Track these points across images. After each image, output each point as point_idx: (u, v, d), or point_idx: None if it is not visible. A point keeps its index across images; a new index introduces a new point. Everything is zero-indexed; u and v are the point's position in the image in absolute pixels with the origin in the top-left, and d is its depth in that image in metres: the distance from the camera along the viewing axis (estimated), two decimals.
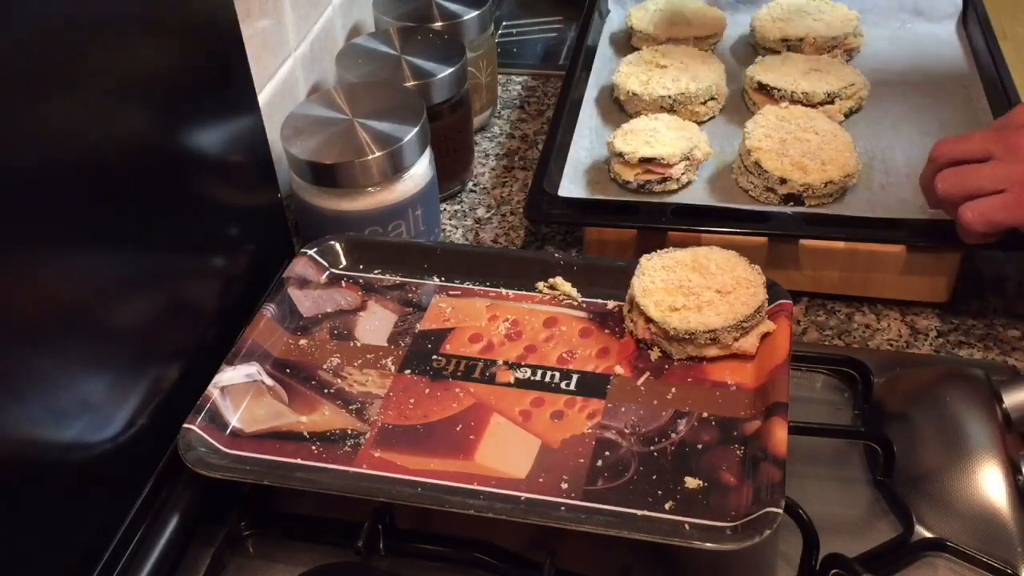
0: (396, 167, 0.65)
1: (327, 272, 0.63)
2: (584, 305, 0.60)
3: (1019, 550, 0.50)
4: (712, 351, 0.55)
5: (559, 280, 0.61)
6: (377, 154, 0.63)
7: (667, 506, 0.47)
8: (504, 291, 0.62)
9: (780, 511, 0.45)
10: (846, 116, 0.79)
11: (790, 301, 0.57)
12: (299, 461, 0.51)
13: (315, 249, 0.63)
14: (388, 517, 0.50)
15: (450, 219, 0.79)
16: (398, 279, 0.63)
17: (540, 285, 0.62)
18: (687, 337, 0.55)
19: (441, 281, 0.63)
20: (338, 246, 0.64)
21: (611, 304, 0.60)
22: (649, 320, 0.56)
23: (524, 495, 0.48)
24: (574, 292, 0.61)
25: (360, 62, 0.74)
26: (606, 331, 0.58)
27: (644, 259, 0.59)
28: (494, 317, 0.60)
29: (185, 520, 0.51)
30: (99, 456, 0.48)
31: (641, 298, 0.56)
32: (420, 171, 0.67)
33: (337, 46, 0.82)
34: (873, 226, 0.66)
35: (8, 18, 0.39)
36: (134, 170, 0.49)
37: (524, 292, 0.61)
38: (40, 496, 0.44)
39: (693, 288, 0.57)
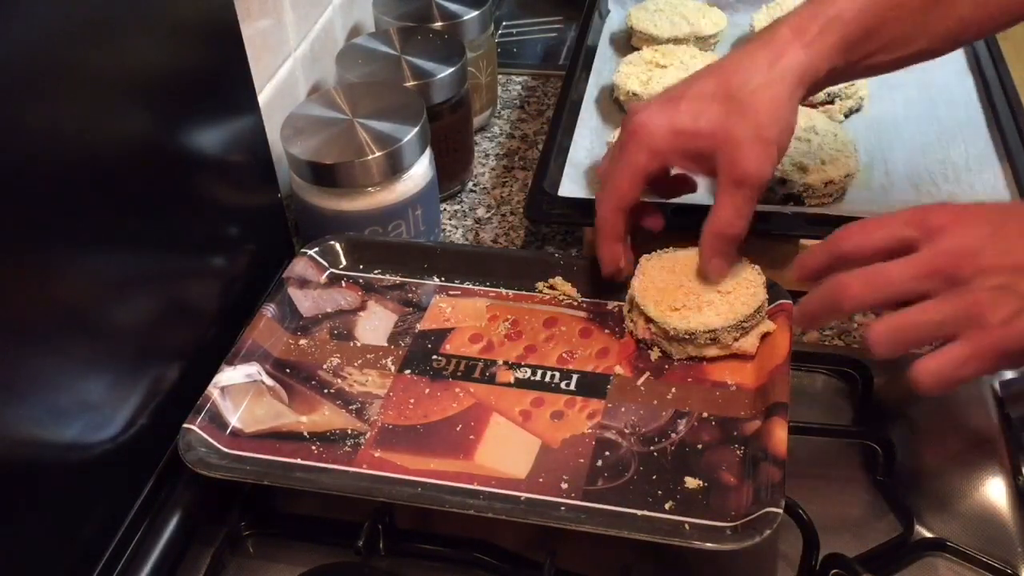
0: (396, 167, 0.65)
1: (327, 272, 0.63)
2: (584, 305, 0.60)
3: (1019, 550, 0.50)
4: (712, 351, 0.55)
5: (559, 280, 0.61)
6: (377, 154, 0.63)
7: (667, 506, 0.47)
8: (504, 291, 0.62)
9: (780, 511, 0.45)
10: (846, 116, 0.79)
11: (790, 301, 0.57)
12: (299, 461, 0.51)
13: (315, 249, 0.63)
14: (388, 517, 0.50)
15: (450, 219, 0.79)
16: (398, 279, 0.63)
17: (540, 285, 0.62)
18: (687, 337, 0.55)
19: (441, 281, 0.63)
20: (338, 246, 0.64)
21: (611, 304, 0.60)
22: (649, 320, 0.56)
23: (524, 495, 0.48)
24: (574, 292, 0.61)
25: (360, 62, 0.74)
26: (606, 331, 0.58)
27: (644, 259, 0.59)
28: (494, 317, 0.60)
29: (185, 520, 0.51)
30: (99, 456, 0.48)
31: (641, 298, 0.56)
32: (420, 171, 0.67)
33: (337, 46, 0.82)
34: None
35: (8, 18, 0.39)
36: (134, 170, 0.49)
37: (524, 292, 0.61)
38: (40, 496, 0.44)
39: (693, 288, 0.57)
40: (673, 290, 0.57)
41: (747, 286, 0.56)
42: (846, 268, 0.49)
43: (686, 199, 0.71)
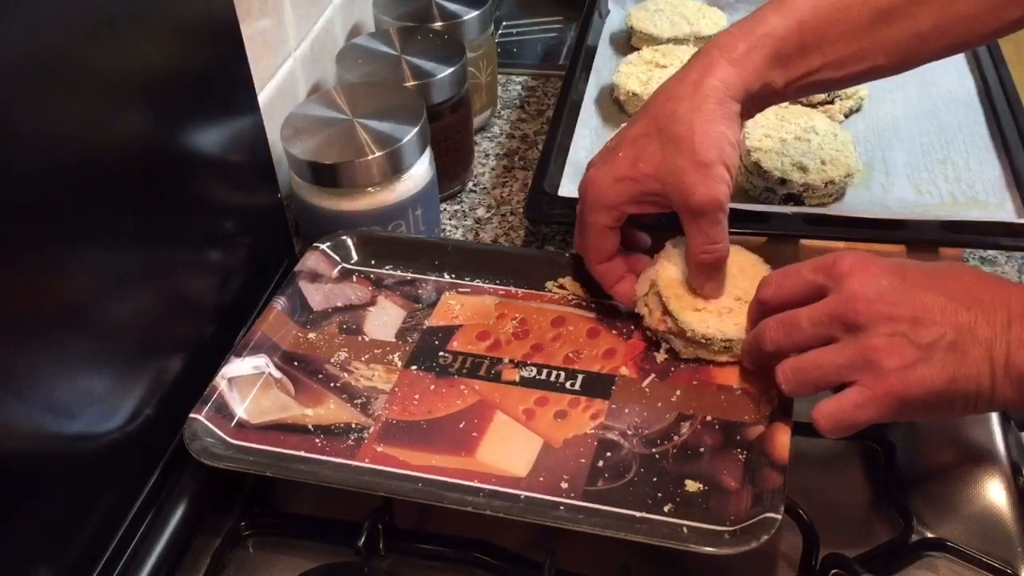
0: (396, 167, 0.65)
1: (339, 267, 0.63)
2: (592, 305, 0.60)
3: (1019, 550, 0.50)
4: (723, 357, 0.55)
5: (569, 280, 0.61)
6: (377, 154, 0.63)
7: (666, 508, 0.47)
8: (513, 289, 0.62)
9: (779, 517, 0.45)
10: (846, 116, 0.79)
11: None
12: (302, 453, 0.51)
13: (327, 244, 0.63)
14: (388, 516, 0.51)
15: (450, 219, 0.79)
16: (409, 275, 0.63)
17: (550, 284, 0.61)
18: (702, 342, 0.54)
19: (451, 278, 0.63)
20: (350, 241, 0.64)
21: (620, 305, 0.60)
22: (666, 312, 0.55)
23: (524, 493, 0.48)
24: (584, 292, 0.61)
25: (360, 62, 0.74)
26: (613, 332, 0.58)
27: (670, 244, 0.58)
28: (502, 315, 0.60)
29: (190, 510, 0.52)
30: (106, 446, 0.48)
31: (664, 288, 0.56)
32: (420, 171, 0.67)
33: (337, 46, 0.82)
34: (873, 226, 0.66)
35: (8, 18, 0.39)
36: (134, 170, 0.49)
37: (533, 291, 0.61)
38: (49, 486, 0.44)
39: None
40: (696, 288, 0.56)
41: None
42: (772, 314, 0.51)
43: None
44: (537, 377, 0.55)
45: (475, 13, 0.81)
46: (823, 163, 0.70)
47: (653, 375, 0.55)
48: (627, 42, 0.92)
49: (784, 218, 0.67)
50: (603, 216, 0.56)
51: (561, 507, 0.48)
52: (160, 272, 0.52)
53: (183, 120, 0.53)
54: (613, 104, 0.83)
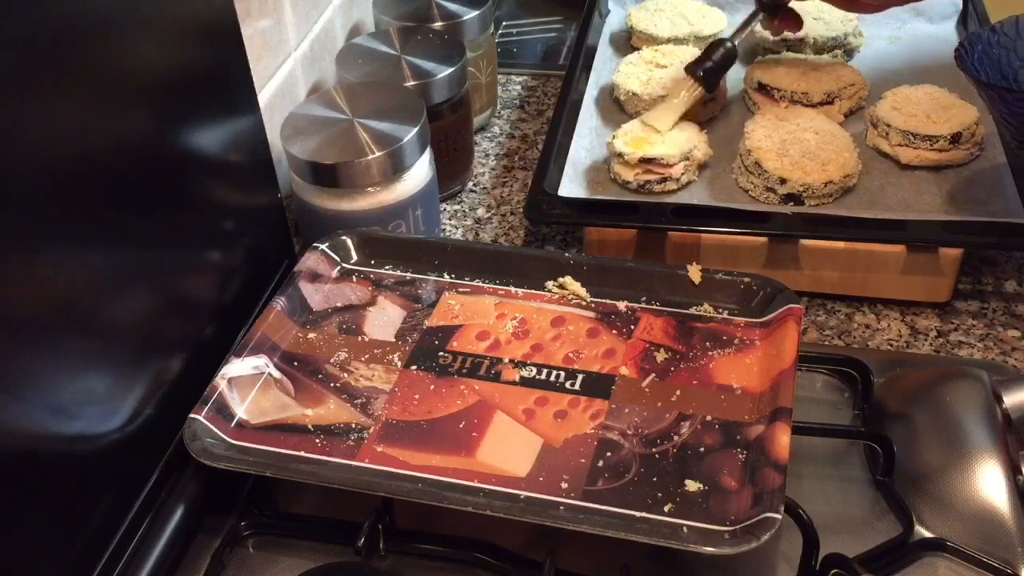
0: (396, 167, 0.65)
1: (338, 267, 0.63)
2: (592, 305, 0.60)
3: (1019, 550, 0.50)
4: None
5: (569, 280, 0.61)
6: (377, 154, 0.63)
7: (666, 508, 0.47)
8: (513, 289, 0.62)
9: (779, 517, 0.45)
10: (846, 116, 0.79)
11: (800, 306, 0.56)
12: (302, 454, 0.51)
13: (327, 244, 0.63)
14: (388, 516, 0.51)
15: (450, 219, 0.79)
16: (408, 275, 0.63)
17: (549, 284, 0.61)
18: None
19: (451, 278, 0.63)
20: (350, 241, 0.64)
21: (620, 304, 0.60)
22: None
23: (524, 493, 0.48)
24: (583, 292, 0.61)
25: (360, 62, 0.74)
26: (613, 331, 0.58)
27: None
28: (502, 315, 0.60)
29: (190, 511, 0.52)
30: (105, 448, 0.48)
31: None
32: (420, 171, 0.67)
33: (337, 46, 0.82)
34: (873, 226, 0.66)
35: (8, 18, 0.39)
36: (134, 170, 0.49)
37: (533, 291, 0.61)
38: (50, 486, 0.44)
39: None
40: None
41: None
42: None
43: (686, 199, 0.72)
44: (537, 377, 0.55)
45: (475, 13, 0.81)
46: (823, 163, 0.70)
47: (653, 375, 0.55)
48: (627, 42, 0.92)
49: (784, 218, 0.67)
50: None
51: (561, 507, 0.48)
52: (160, 272, 0.52)
53: (183, 120, 0.53)
54: (613, 104, 0.83)
